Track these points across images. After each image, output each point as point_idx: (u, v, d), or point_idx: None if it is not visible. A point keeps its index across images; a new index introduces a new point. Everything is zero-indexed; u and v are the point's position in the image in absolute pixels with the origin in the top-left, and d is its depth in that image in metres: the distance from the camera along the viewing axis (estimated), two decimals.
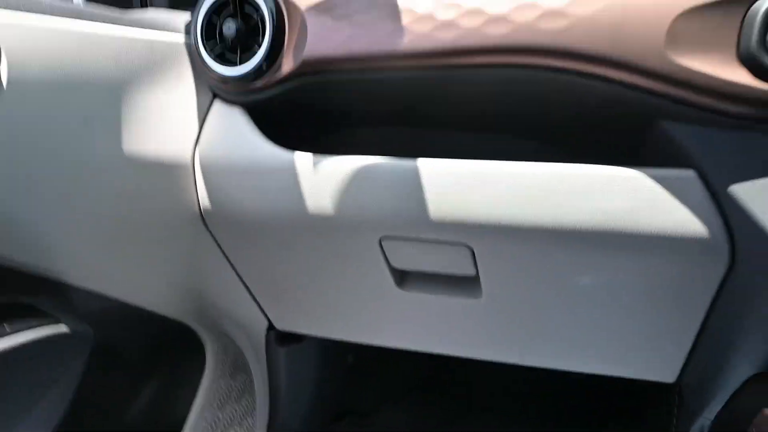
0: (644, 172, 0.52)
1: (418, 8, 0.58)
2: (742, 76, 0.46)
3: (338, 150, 0.68)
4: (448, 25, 0.56)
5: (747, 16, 0.45)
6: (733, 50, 0.46)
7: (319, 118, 0.75)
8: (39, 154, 0.58)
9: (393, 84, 0.63)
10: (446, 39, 0.56)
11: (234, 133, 0.72)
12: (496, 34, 0.54)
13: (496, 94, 0.59)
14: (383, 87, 0.64)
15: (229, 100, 0.74)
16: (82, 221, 0.65)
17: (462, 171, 0.58)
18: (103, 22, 0.65)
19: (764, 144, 0.48)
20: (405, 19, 0.59)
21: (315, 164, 0.66)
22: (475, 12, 0.55)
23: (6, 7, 0.55)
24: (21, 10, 0.56)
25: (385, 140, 0.73)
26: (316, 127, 0.76)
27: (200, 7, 0.71)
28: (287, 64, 0.67)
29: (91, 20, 0.64)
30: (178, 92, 0.73)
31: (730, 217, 0.50)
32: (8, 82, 0.53)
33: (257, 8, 0.68)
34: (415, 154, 0.62)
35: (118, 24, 0.67)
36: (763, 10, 0.45)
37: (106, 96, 0.65)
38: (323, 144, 0.72)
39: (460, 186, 0.58)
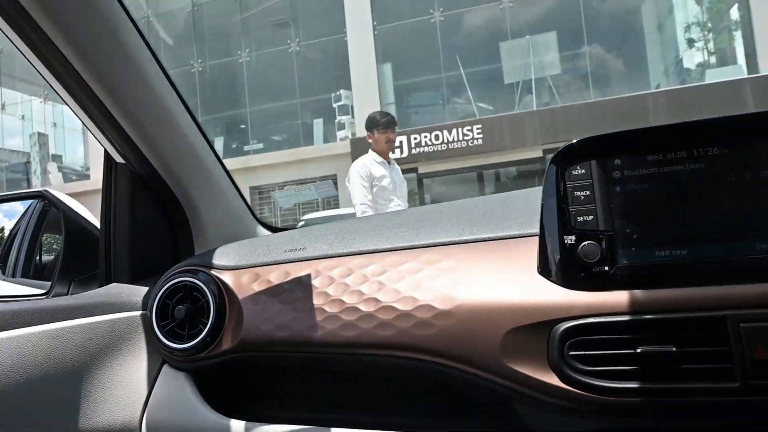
0: None
1: (327, 308, 0.77)
2: (553, 379, 0.64)
3: (274, 410, 0.82)
4: (350, 325, 0.75)
5: (549, 337, 0.65)
6: (545, 360, 0.65)
7: (256, 382, 0.90)
8: None
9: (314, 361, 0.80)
10: (349, 335, 0.74)
11: (179, 397, 0.85)
12: (384, 335, 0.72)
13: (391, 371, 0.76)
14: (306, 361, 0.81)
15: (176, 367, 0.88)
16: None
17: None
18: (71, 315, 0.81)
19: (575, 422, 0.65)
20: (318, 317, 0.77)
21: (247, 430, 0.79)
22: (369, 317, 0.74)
23: None
24: None
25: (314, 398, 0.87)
26: (254, 388, 0.90)
27: (157, 292, 0.88)
28: (227, 342, 0.83)
29: (63, 318, 0.79)
30: (133, 360, 0.87)
31: None
32: None
33: (203, 294, 0.86)
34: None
35: (83, 315, 0.82)
36: (559, 333, 0.64)
37: (70, 379, 0.78)
38: (259, 406, 0.86)
39: None
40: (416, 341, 0.71)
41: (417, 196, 12.80)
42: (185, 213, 1.05)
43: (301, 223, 8.76)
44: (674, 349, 0.60)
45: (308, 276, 0.82)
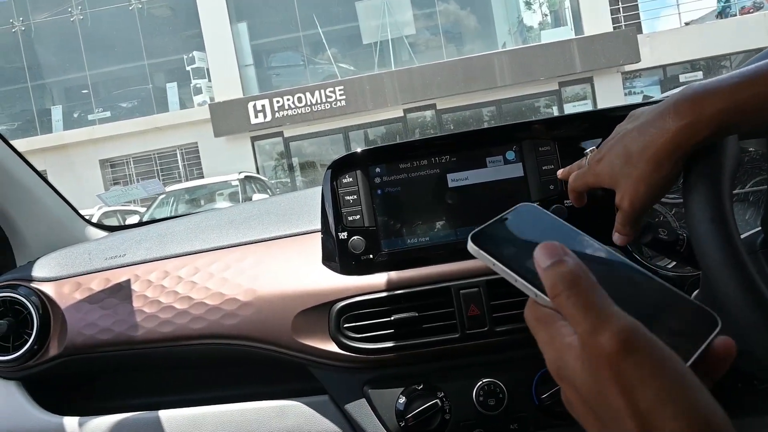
0: (299, 401, 0.85)
1: (146, 309, 0.88)
2: (333, 347, 0.82)
3: (108, 402, 0.91)
4: (167, 322, 0.86)
5: (329, 314, 0.82)
6: (327, 333, 0.83)
7: (90, 380, 0.98)
8: None
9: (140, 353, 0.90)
10: (167, 331, 0.86)
11: (11, 404, 0.91)
12: (197, 328, 0.85)
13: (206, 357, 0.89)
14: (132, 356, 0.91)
15: (6, 377, 0.93)
16: None
17: (185, 415, 0.86)
18: None
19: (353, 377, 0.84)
20: (138, 318, 0.87)
21: (81, 424, 0.88)
22: (183, 313, 0.86)
23: None
24: None
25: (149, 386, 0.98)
26: (89, 386, 0.98)
27: None
28: (54, 349, 0.90)
29: None
30: None
31: (352, 421, 0.84)
32: None
33: (25, 308, 0.91)
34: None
35: None
36: (335, 310, 0.82)
37: None
38: (95, 401, 0.95)
39: (185, 427, 0.86)
40: (224, 330, 0.85)
41: (285, 159, 12.71)
42: (0, 228, 1.06)
43: (162, 195, 8.32)
44: (417, 314, 0.81)
45: (128, 281, 0.91)
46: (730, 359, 0.34)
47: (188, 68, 13.24)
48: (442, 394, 0.81)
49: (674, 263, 0.82)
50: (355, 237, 0.84)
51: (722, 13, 12.78)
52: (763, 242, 0.62)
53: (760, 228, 0.64)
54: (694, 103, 0.45)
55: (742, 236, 0.62)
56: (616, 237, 0.56)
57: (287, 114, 11.93)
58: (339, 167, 0.87)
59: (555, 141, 0.85)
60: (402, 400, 0.81)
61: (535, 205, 0.45)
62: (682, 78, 12.29)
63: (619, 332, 0.31)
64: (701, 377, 0.31)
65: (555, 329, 0.35)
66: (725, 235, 0.46)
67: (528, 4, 13.77)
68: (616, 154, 0.52)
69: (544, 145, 0.85)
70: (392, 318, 0.81)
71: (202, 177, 11.89)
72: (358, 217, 0.85)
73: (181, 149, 13.00)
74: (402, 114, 12.33)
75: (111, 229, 1.32)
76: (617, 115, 0.90)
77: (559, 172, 0.69)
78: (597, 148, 0.58)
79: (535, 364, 0.79)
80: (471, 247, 0.42)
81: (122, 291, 0.90)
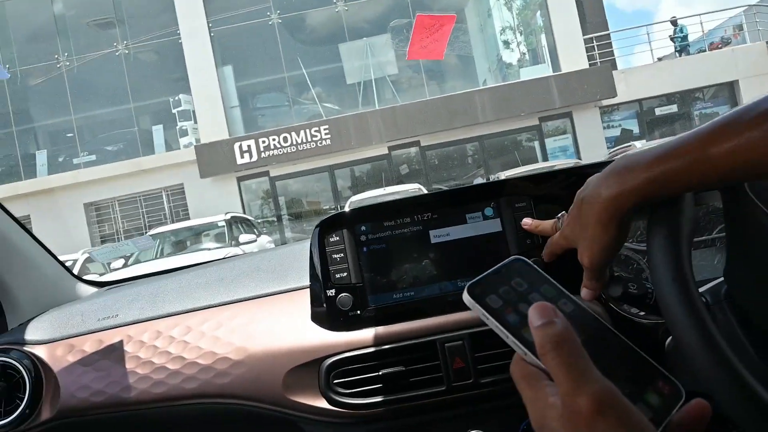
0: None
1: (138, 370, 0.89)
2: (323, 403, 0.84)
3: None
4: (160, 383, 0.88)
5: (319, 370, 0.85)
6: (317, 389, 0.85)
7: None
8: None
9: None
10: (160, 392, 0.87)
11: None
12: (190, 388, 0.87)
13: (199, 416, 0.91)
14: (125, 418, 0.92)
15: None
16: None
17: None
18: None
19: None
20: (131, 379, 0.89)
21: None
22: (176, 373, 0.87)
23: None
24: None
25: None
26: None
27: None
28: (46, 413, 0.91)
29: None
30: None
31: None
32: None
33: (17, 371, 0.92)
34: None
35: None
36: (325, 366, 0.84)
37: None
38: None
39: None
40: (217, 389, 0.86)
41: (271, 199, 12.74)
42: None
43: (151, 232, 8.25)
44: (404, 368, 0.83)
45: (120, 342, 0.93)
46: (705, 421, 0.37)
47: (174, 111, 13.35)
48: None
49: None
50: (342, 294, 0.88)
51: (683, 51, 13.31)
52: (727, 292, 0.67)
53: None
54: (619, 175, 0.51)
55: (708, 286, 0.66)
56: (584, 292, 0.61)
57: (273, 154, 12.04)
58: (326, 226, 0.90)
59: (530, 197, 0.90)
60: None
61: (525, 259, 0.48)
62: (657, 111, 12.70)
63: (596, 394, 0.34)
64: None
65: (539, 388, 0.38)
66: (686, 295, 0.50)
67: (506, 43, 14.24)
68: (574, 219, 0.59)
69: (520, 201, 0.90)
70: (380, 372, 0.83)
71: (188, 218, 11.85)
72: (345, 274, 0.88)
73: (167, 191, 12.98)
74: (387, 151, 12.51)
75: (101, 285, 1.34)
76: (585, 172, 0.96)
77: (526, 221, 0.74)
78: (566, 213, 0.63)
79: (520, 413, 0.82)
80: (467, 298, 0.44)
81: (115, 352, 0.92)
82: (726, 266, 0.64)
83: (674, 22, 13.33)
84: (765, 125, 0.43)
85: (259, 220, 11.66)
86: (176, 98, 13.34)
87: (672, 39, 13.30)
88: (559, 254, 0.67)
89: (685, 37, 13.31)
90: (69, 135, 14.23)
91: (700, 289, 0.64)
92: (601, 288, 0.61)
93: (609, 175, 0.52)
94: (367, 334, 0.86)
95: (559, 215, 0.68)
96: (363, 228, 0.90)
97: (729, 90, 12.51)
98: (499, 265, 0.47)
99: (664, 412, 0.37)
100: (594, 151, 11.81)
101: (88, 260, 7.38)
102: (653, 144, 0.64)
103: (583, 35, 12.70)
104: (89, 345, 0.94)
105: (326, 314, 0.88)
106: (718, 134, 0.46)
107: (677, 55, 13.29)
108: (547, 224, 0.73)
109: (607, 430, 0.33)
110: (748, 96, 11.85)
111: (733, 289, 0.62)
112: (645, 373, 0.40)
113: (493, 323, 0.42)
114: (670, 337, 0.75)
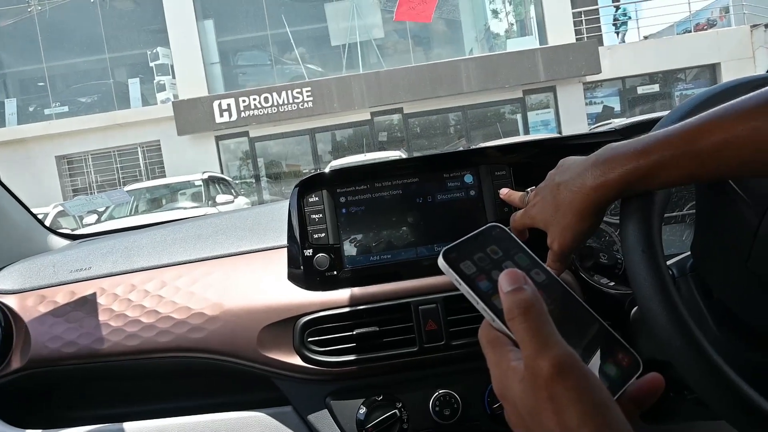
0: (262, 412, 0.88)
1: (112, 323, 0.89)
2: (297, 360, 0.85)
3: (73, 413, 0.92)
4: (133, 336, 0.87)
5: (294, 328, 0.86)
6: (291, 346, 0.86)
7: (55, 393, 0.98)
8: None
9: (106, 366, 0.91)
10: (133, 345, 0.87)
11: None
12: (163, 341, 0.87)
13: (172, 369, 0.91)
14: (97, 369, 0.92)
15: None
16: None
17: (149, 427, 0.88)
18: None
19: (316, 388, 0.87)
20: (104, 331, 0.88)
21: None
22: (150, 327, 0.88)
23: None
24: None
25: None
26: (55, 399, 0.99)
27: None
28: (16, 362, 0.90)
29: None
30: None
31: (314, 431, 0.88)
32: None
33: None
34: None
35: None
36: (300, 325, 0.85)
37: None
38: (61, 413, 0.95)
39: None
40: (191, 344, 0.87)
41: (250, 160, 12.57)
42: None
43: (126, 188, 8.06)
44: (378, 328, 0.85)
45: (93, 294, 0.92)
46: (657, 394, 0.39)
47: (152, 64, 12.93)
48: (401, 404, 0.85)
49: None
50: (320, 254, 0.88)
51: (620, 33, 13.53)
52: (692, 266, 0.69)
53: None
54: (604, 165, 0.50)
55: (675, 259, 0.69)
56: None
57: (253, 114, 11.80)
58: (306, 186, 0.90)
59: (510, 165, 0.91)
60: (362, 410, 0.85)
61: (503, 227, 0.49)
62: (639, 90, 12.77)
63: (557, 357, 0.35)
64: (631, 405, 0.38)
65: (503, 352, 0.39)
66: (654, 266, 0.52)
67: (495, 12, 14.04)
68: (547, 203, 0.58)
69: (500, 170, 0.91)
70: (354, 332, 0.85)
71: (164, 176, 11.64)
72: (323, 234, 0.89)
73: (143, 147, 12.68)
74: (369, 117, 12.37)
75: (73, 237, 1.32)
76: (566, 144, 0.96)
77: (503, 191, 0.74)
78: (535, 189, 0.63)
79: (487, 376, 0.85)
80: (441, 263, 0.44)
81: (88, 304, 0.91)
82: (693, 240, 0.66)
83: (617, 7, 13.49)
84: (754, 122, 0.43)
85: (237, 181, 11.52)
86: (154, 51, 12.91)
87: (614, 24, 13.46)
88: (520, 231, 0.65)
89: (625, 23, 13.44)
90: (40, 84, 13.72)
91: (668, 262, 0.66)
92: (564, 269, 0.61)
93: (595, 164, 0.51)
94: (342, 294, 0.87)
95: (528, 189, 0.67)
96: (342, 190, 0.90)
97: (710, 72, 12.63)
98: (476, 231, 0.48)
99: (621, 383, 0.39)
100: (575, 126, 11.88)
101: (60, 214, 7.23)
102: (633, 120, 0.64)
103: (572, 9, 12.60)
104: (61, 296, 0.93)
105: (303, 274, 0.88)
106: (707, 129, 0.45)
107: (617, 36, 13.45)
108: (515, 195, 0.71)
109: (565, 392, 0.34)
110: (728, 79, 11.97)
111: (697, 262, 0.64)
112: (607, 344, 0.42)
113: (464, 289, 0.43)
114: (636, 308, 0.77)
